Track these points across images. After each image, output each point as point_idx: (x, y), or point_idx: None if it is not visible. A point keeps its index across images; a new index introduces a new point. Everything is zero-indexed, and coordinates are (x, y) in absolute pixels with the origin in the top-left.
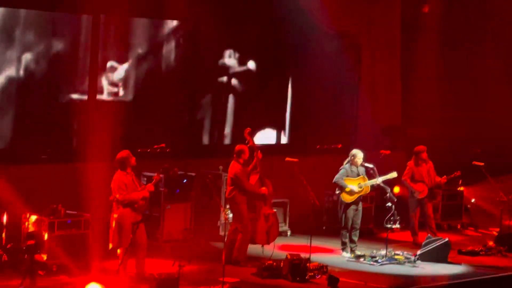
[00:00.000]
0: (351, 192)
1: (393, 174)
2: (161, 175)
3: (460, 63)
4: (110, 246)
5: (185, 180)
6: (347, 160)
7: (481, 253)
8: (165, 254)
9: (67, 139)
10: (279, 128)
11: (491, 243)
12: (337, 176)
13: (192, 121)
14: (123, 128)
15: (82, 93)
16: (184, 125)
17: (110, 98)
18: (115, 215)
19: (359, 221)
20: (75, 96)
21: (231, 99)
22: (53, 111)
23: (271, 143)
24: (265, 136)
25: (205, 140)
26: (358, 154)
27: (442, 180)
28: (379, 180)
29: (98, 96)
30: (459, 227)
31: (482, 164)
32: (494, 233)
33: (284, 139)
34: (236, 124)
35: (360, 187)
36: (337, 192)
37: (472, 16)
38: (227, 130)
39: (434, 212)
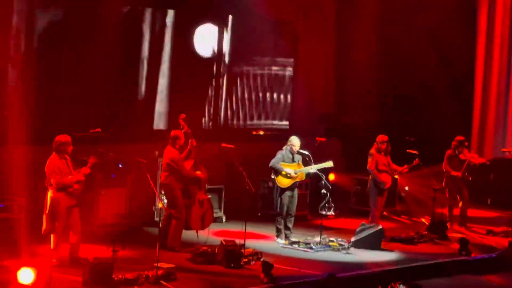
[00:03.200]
0: (286, 176)
1: (329, 163)
2: (96, 159)
3: (394, 51)
4: (43, 230)
5: (120, 165)
6: (285, 146)
7: (414, 240)
8: (100, 239)
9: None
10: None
11: (423, 231)
12: (273, 160)
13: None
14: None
15: None
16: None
17: None
18: (49, 199)
19: (294, 208)
20: None
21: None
22: None
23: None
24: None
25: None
26: (294, 141)
27: (404, 169)
28: (314, 168)
29: None
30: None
31: (416, 152)
32: (425, 221)
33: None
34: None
35: (296, 173)
36: (273, 176)
37: (407, 6)
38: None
39: (368, 199)
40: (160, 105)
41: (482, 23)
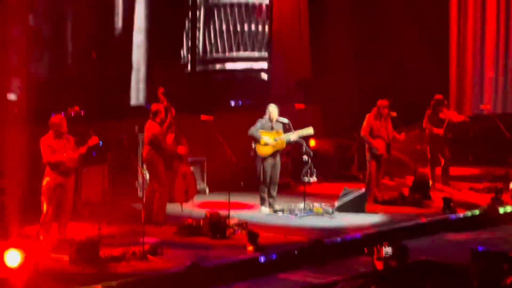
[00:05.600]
0: (266, 145)
1: (309, 130)
2: (98, 140)
3: (370, 12)
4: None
5: (101, 142)
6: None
7: (397, 201)
8: (84, 218)
9: None
10: None
11: (406, 191)
12: (251, 128)
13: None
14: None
15: None
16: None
17: None
18: (44, 178)
19: (277, 175)
20: None
21: None
22: None
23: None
24: None
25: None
26: (270, 108)
27: (401, 137)
28: (294, 135)
29: None
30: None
31: (395, 114)
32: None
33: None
34: None
35: (275, 141)
36: (253, 146)
37: None
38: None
39: (350, 164)
40: (137, 38)
41: None
